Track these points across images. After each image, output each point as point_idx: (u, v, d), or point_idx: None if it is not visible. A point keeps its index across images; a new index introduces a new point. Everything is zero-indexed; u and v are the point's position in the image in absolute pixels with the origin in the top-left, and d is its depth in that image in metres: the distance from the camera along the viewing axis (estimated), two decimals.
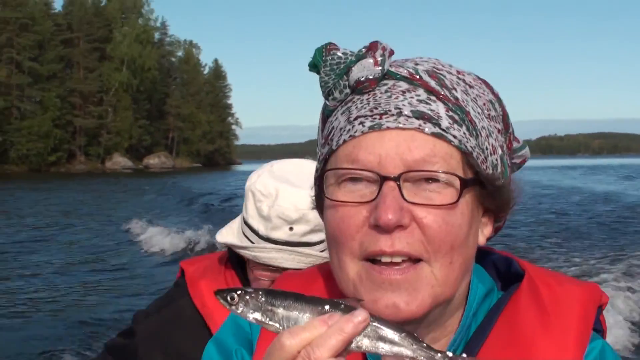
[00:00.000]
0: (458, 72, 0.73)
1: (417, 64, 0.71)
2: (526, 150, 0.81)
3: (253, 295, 0.58)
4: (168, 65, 79.22)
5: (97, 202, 26.69)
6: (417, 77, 0.69)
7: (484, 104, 0.72)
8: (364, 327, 0.56)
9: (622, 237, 12.82)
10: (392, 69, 0.69)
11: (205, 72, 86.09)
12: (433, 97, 0.68)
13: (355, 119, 0.68)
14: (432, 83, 0.69)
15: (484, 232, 0.74)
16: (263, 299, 0.58)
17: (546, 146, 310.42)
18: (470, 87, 0.72)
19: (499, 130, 0.73)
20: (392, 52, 0.70)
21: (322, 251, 1.32)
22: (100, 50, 68.87)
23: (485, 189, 0.69)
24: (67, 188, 35.95)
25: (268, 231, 1.32)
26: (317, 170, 0.76)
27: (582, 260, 10.07)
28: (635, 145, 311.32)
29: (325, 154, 0.73)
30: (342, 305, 0.57)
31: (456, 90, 0.69)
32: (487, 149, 0.69)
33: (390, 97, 0.68)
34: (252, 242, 1.36)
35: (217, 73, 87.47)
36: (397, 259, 0.65)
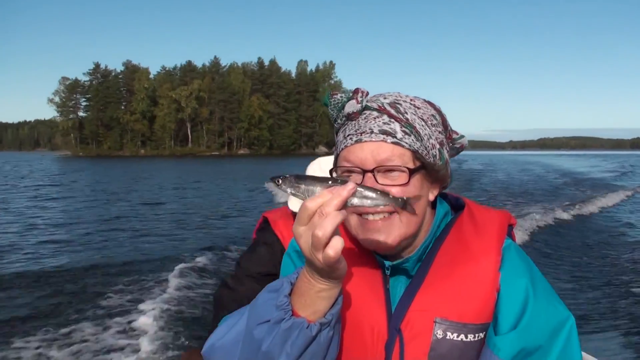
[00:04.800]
0: (411, 100, 1.08)
1: (385, 98, 1.08)
2: (463, 139, 1.15)
3: (288, 178, 0.95)
4: None
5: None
6: (383, 108, 1.05)
7: (428, 118, 1.08)
8: (353, 192, 0.89)
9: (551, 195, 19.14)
10: (369, 104, 1.07)
11: None
12: (392, 120, 1.04)
13: (348, 135, 1.07)
14: (392, 111, 1.05)
15: (433, 193, 1.12)
16: (294, 180, 0.94)
17: (543, 144, 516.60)
18: (418, 108, 1.07)
19: (439, 131, 1.09)
20: (367, 93, 1.07)
21: None
22: (312, 96, 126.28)
23: (428, 170, 1.08)
24: (297, 163, 53.87)
25: None
26: (333, 165, 1.14)
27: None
28: (597, 144, 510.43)
29: (335, 155, 1.14)
30: (339, 181, 0.91)
31: (407, 113, 1.05)
32: (428, 146, 1.05)
33: (367, 122, 1.05)
34: None
35: None
36: (378, 217, 1.04)
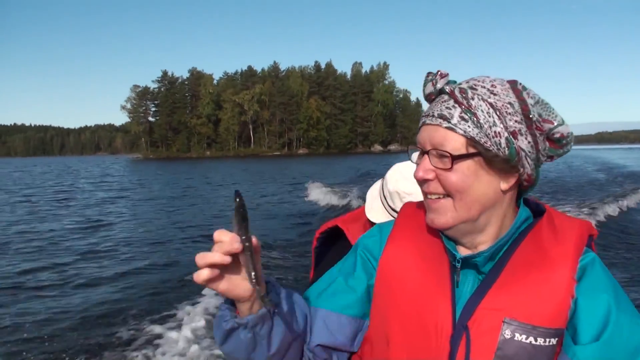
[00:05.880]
0: (492, 85, 1.03)
1: (466, 82, 1.05)
2: (561, 128, 1.04)
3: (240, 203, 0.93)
4: (396, 101, 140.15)
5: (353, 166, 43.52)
6: (453, 92, 1.03)
7: (502, 105, 1.01)
8: (236, 250, 0.90)
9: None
10: (445, 88, 1.05)
11: (414, 102, 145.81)
12: (455, 105, 1.02)
13: (422, 116, 1.10)
14: (459, 96, 1.02)
15: (508, 181, 1.05)
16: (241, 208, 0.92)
17: (601, 139, 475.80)
18: (495, 95, 1.02)
19: (515, 120, 1.01)
20: (445, 75, 1.06)
21: None
22: (368, 96, 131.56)
23: (488, 159, 1.02)
24: (353, 161, 59.77)
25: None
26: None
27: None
28: None
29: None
30: (244, 237, 0.91)
31: (474, 99, 1.01)
32: (489, 134, 1.00)
33: (435, 105, 1.05)
34: None
35: (419, 103, 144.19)
36: (433, 197, 1.07)
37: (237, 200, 0.94)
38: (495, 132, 1.01)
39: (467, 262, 1.08)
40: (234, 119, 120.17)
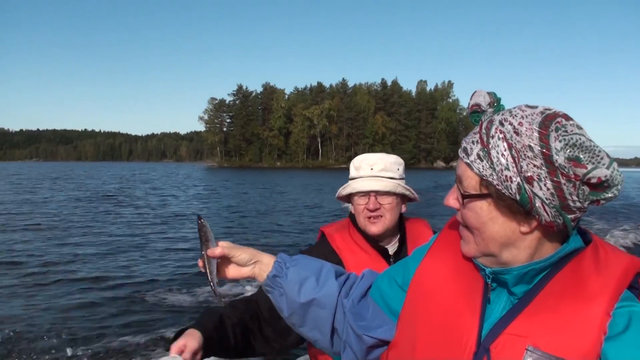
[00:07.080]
0: (520, 122, 0.94)
1: (502, 115, 0.98)
2: (597, 171, 0.90)
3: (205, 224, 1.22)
4: (459, 119, 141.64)
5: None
6: (482, 125, 1.00)
7: (522, 147, 0.93)
8: (201, 266, 1.26)
9: None
10: (484, 113, 1.03)
11: None
12: (478, 141, 0.99)
13: None
14: (483, 132, 0.98)
15: (529, 224, 0.98)
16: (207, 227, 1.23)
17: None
18: (517, 134, 0.93)
19: (534, 165, 0.92)
20: (475, 94, 1.04)
21: (393, 179, 2.03)
22: (431, 114, 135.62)
23: (499, 201, 0.98)
24: (416, 176, 59.22)
25: (360, 173, 2.04)
26: None
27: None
28: None
29: None
30: (202, 253, 1.25)
31: (493, 138, 0.96)
32: (500, 177, 0.95)
33: (469, 134, 1.03)
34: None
35: None
36: (462, 225, 1.08)
37: (198, 223, 1.22)
38: (506, 176, 0.95)
39: (499, 281, 1.05)
40: (303, 132, 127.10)
